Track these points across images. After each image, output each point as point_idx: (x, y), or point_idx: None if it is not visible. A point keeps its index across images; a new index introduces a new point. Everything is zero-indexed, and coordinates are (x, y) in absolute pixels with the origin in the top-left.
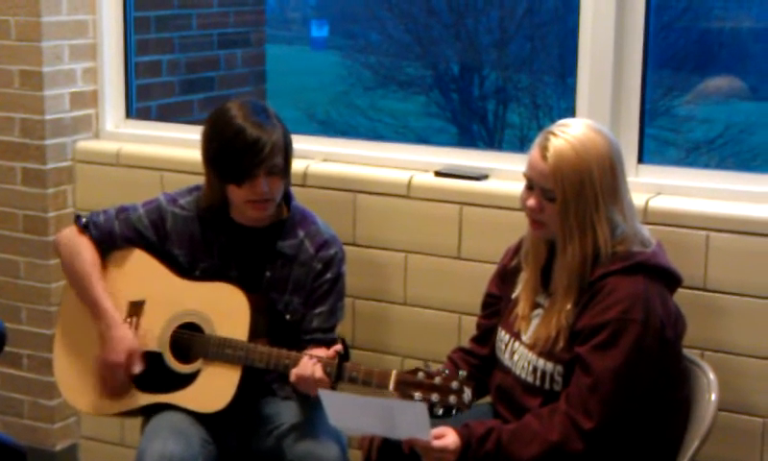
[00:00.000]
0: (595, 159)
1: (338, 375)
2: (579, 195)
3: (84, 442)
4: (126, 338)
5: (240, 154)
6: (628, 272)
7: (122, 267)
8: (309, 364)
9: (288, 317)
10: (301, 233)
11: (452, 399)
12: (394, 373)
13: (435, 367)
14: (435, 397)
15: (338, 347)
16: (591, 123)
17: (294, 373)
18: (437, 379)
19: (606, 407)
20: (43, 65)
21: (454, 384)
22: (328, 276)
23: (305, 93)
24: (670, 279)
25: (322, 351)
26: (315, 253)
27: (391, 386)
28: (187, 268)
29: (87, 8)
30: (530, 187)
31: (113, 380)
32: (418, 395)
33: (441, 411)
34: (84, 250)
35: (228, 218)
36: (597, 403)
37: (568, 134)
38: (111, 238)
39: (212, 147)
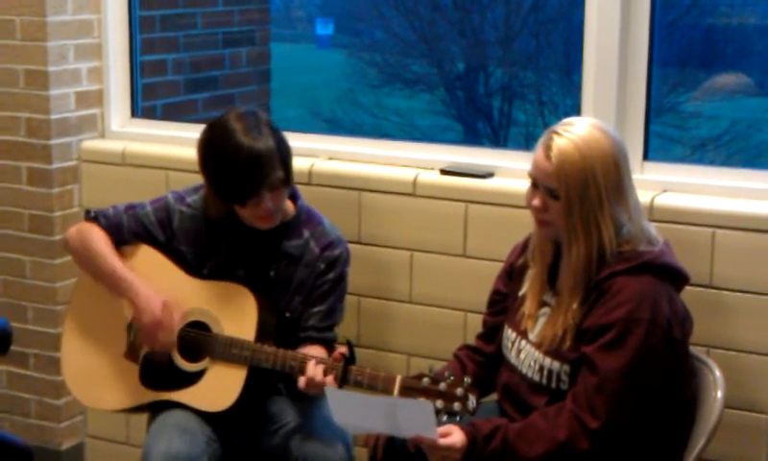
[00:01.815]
0: (599, 159)
1: (343, 378)
2: (583, 194)
3: (91, 441)
4: (155, 296)
5: (239, 176)
6: (635, 271)
7: (132, 263)
8: (316, 369)
9: (288, 315)
10: (307, 233)
11: (457, 405)
12: (398, 378)
13: (440, 366)
14: (440, 403)
15: (343, 349)
16: (596, 122)
17: (302, 380)
18: (442, 385)
19: (612, 407)
20: (48, 65)
21: (459, 391)
22: (330, 276)
23: (310, 91)
24: (677, 278)
25: (317, 350)
26: (320, 253)
27: (395, 391)
28: (195, 266)
29: (92, 7)
30: (535, 186)
31: (157, 343)
32: (422, 401)
33: (445, 417)
34: (96, 233)
35: (234, 218)
36: (604, 403)
37: (572, 134)
38: (120, 231)
39: (211, 169)
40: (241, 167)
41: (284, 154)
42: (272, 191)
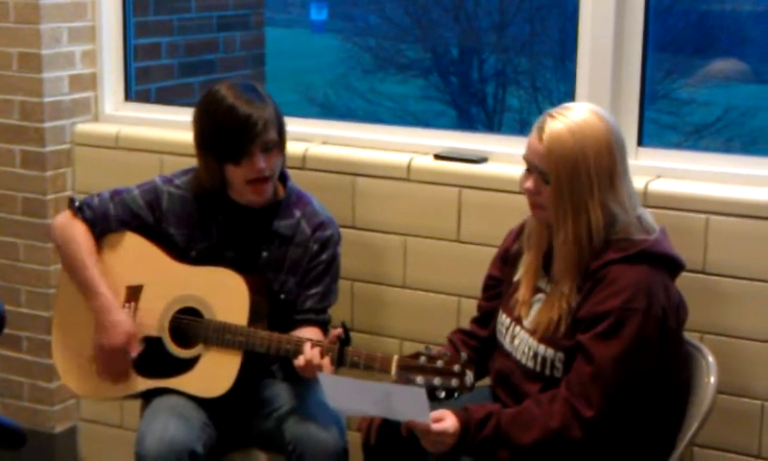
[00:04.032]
0: (591, 144)
1: (339, 360)
2: (573, 178)
3: (84, 424)
4: (122, 323)
5: (234, 132)
6: (631, 260)
7: (119, 251)
8: (313, 351)
9: (283, 297)
10: (298, 214)
11: (454, 381)
12: (395, 358)
13: (435, 349)
14: (437, 380)
15: (339, 331)
16: (595, 108)
17: (301, 358)
18: (439, 363)
19: (607, 396)
20: (42, 48)
21: (456, 367)
22: (324, 257)
23: (304, 76)
24: (673, 266)
25: (313, 331)
26: (311, 233)
27: (393, 371)
28: (183, 248)
29: None
30: (529, 170)
31: (112, 365)
32: (420, 379)
33: (443, 394)
34: (79, 235)
35: (225, 196)
36: (598, 392)
37: (567, 118)
38: (106, 220)
39: (206, 130)
40: (237, 123)
41: (279, 119)
42: (265, 152)
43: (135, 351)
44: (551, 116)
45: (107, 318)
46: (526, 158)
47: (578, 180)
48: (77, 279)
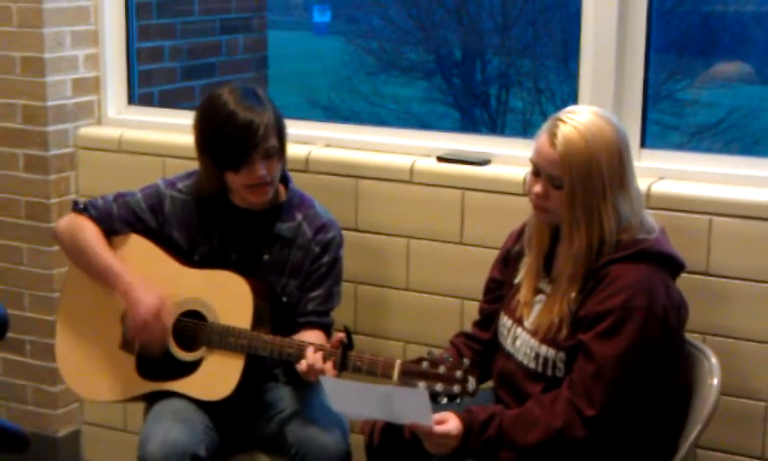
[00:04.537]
0: (604, 148)
1: (342, 364)
2: (586, 183)
3: (87, 428)
4: (147, 296)
5: (234, 140)
6: (632, 259)
7: (124, 253)
8: (315, 356)
9: (285, 299)
10: (299, 216)
11: (456, 388)
12: (398, 362)
13: (437, 352)
14: (439, 386)
15: (341, 336)
16: (599, 111)
17: (303, 363)
18: (441, 368)
19: (609, 395)
20: (45, 52)
21: (458, 373)
22: (326, 259)
23: (307, 79)
24: (673, 266)
25: (315, 334)
26: (313, 236)
27: (395, 376)
28: (187, 252)
29: None
30: (536, 173)
31: (150, 339)
32: (422, 384)
33: (445, 400)
34: (86, 226)
35: (226, 201)
36: (600, 391)
37: (577, 122)
38: (110, 220)
39: (206, 135)
40: (236, 131)
41: (279, 125)
42: (266, 159)
43: (169, 319)
44: (562, 121)
45: (131, 297)
46: (535, 163)
47: (591, 184)
48: (89, 267)
